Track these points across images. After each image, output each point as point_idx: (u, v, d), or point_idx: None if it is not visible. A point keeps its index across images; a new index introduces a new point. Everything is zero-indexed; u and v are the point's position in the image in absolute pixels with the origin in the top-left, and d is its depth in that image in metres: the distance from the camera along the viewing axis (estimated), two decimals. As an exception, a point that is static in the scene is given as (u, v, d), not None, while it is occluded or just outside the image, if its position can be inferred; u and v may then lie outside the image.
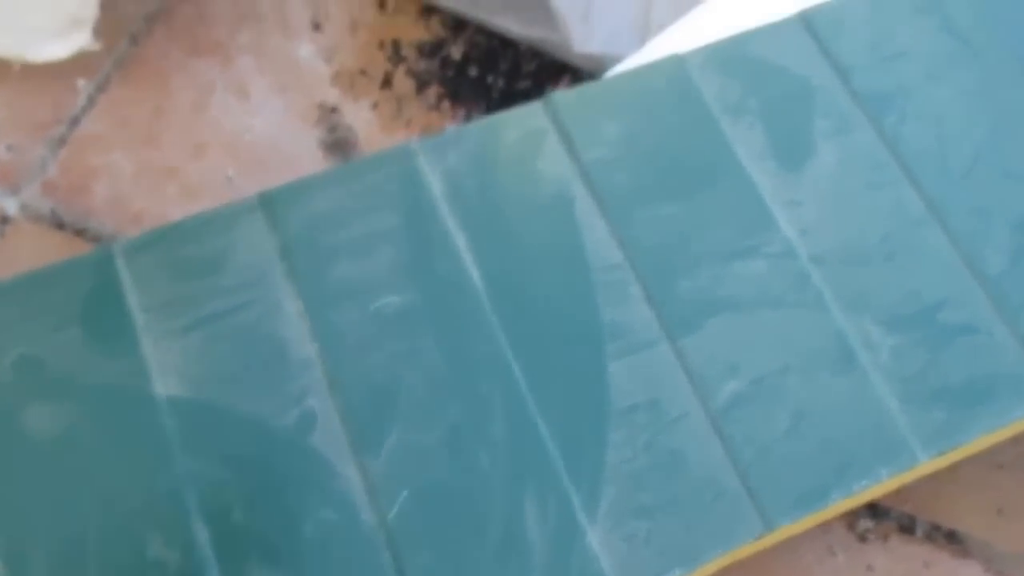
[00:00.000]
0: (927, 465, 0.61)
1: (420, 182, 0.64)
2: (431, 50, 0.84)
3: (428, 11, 0.85)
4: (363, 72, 0.83)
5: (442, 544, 0.56)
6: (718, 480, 0.59)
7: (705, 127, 0.67)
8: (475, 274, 0.62)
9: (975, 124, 0.69)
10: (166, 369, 0.58)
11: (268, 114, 0.80)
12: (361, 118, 0.80)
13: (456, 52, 0.84)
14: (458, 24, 0.85)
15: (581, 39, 0.80)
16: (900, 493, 0.70)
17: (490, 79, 0.82)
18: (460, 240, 0.63)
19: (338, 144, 0.79)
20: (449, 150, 0.65)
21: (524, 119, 0.67)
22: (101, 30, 0.79)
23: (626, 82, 0.69)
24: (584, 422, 0.60)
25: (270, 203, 0.63)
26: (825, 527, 0.68)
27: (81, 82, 0.81)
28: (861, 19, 0.71)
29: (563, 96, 0.68)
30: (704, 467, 0.59)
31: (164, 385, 0.58)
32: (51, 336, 0.59)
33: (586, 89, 0.69)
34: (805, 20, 0.71)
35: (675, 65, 0.69)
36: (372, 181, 0.64)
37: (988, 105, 0.70)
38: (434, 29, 0.85)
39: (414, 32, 0.84)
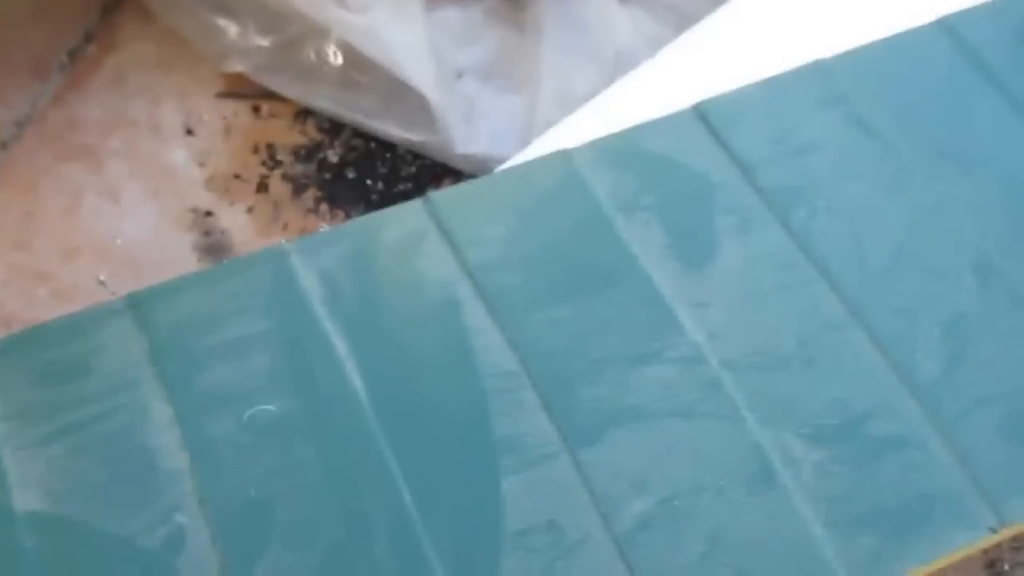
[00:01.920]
0: None
1: (295, 283, 0.57)
2: (307, 153, 0.78)
3: (303, 114, 0.80)
4: (237, 176, 0.77)
5: None
6: None
7: (598, 225, 0.61)
8: (357, 382, 0.55)
9: (892, 219, 0.62)
10: (27, 482, 0.51)
11: (141, 218, 0.73)
12: (237, 222, 0.74)
13: (333, 155, 0.78)
14: (334, 127, 0.79)
15: (463, 140, 0.75)
16: None
17: (369, 181, 0.77)
18: (340, 345, 0.56)
19: (213, 248, 0.72)
20: (324, 250, 0.59)
21: (403, 218, 0.60)
22: (-32, 136, 0.73)
23: (510, 180, 0.63)
24: (475, 546, 0.52)
25: (138, 305, 0.56)
26: None
27: None
28: (760, 111, 0.65)
29: (443, 195, 0.62)
30: None
31: (24, 499, 0.51)
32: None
33: (467, 187, 0.63)
34: (700, 113, 0.64)
35: (563, 161, 0.63)
36: (245, 282, 0.57)
37: (904, 199, 0.62)
38: (310, 132, 0.79)
39: (289, 135, 0.79)
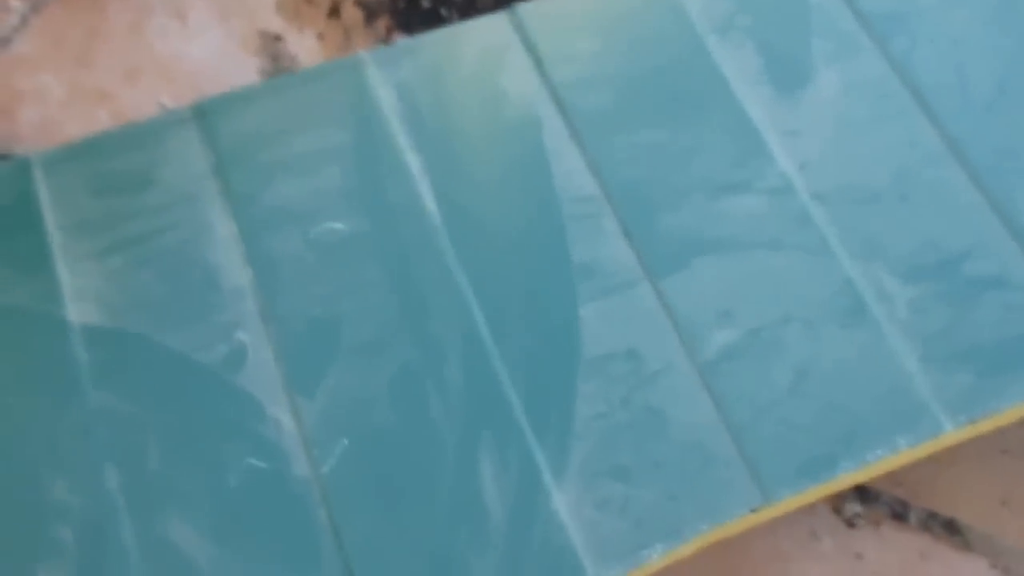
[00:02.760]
0: (951, 436, 0.49)
1: (370, 96, 0.54)
2: None
3: (381, -62, 0.76)
4: (309, 1, 0.70)
5: (385, 502, 0.46)
6: (707, 443, 0.48)
7: (689, 45, 0.57)
8: (430, 201, 0.52)
9: (997, 51, 0.57)
10: (82, 294, 0.49)
11: (207, 40, 0.69)
12: (305, 48, 0.69)
13: None
14: (413, -48, 0.76)
15: None
16: (893, 476, 0.57)
17: (443, 11, 0.70)
18: (414, 163, 0.52)
19: (280, 74, 0.67)
20: (403, 61, 0.55)
21: (486, 31, 0.57)
22: (38, -51, 0.71)
23: None
24: (551, 370, 0.49)
25: (204, 115, 0.53)
26: (808, 509, 0.56)
27: (15, 3, 0.70)
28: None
29: (529, 8, 0.57)
30: (691, 428, 0.48)
31: (79, 312, 0.48)
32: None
33: (555, 2, 0.58)
34: None
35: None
36: (317, 93, 0.54)
37: (1010, 31, 0.58)
38: None
39: None
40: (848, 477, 0.48)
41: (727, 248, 0.51)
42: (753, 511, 0.47)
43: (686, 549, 0.46)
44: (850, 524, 0.56)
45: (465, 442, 0.46)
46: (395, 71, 0.54)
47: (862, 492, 0.58)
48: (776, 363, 0.48)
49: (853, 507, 0.57)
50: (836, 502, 0.57)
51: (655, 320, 0.49)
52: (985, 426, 0.49)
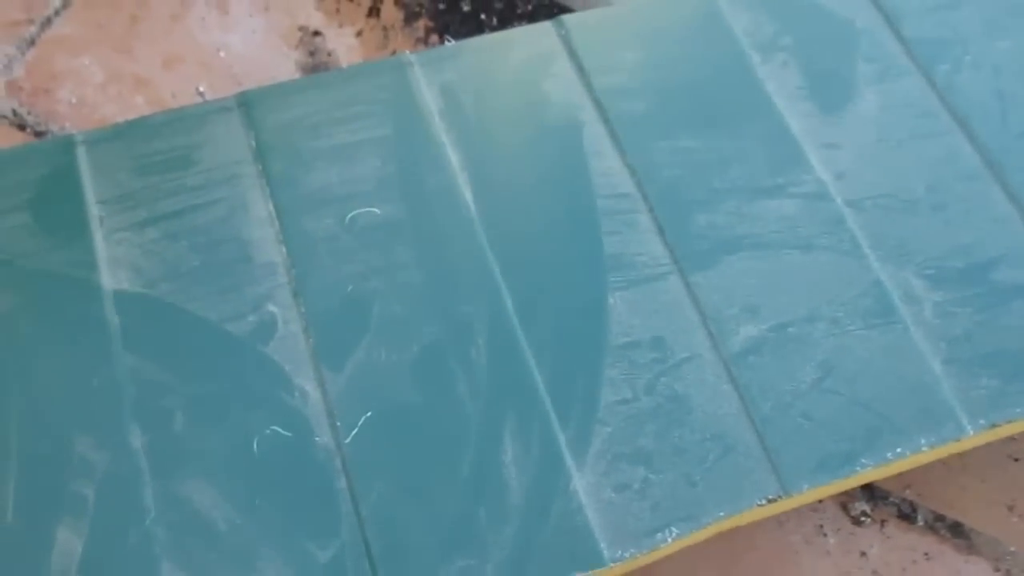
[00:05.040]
0: (971, 440, 0.48)
1: (413, 93, 0.54)
2: None
3: (424, -60, 0.77)
4: None
5: (405, 475, 0.45)
6: (729, 432, 0.47)
7: (733, 61, 0.56)
8: (467, 192, 0.51)
9: None
10: (117, 262, 0.48)
11: (247, 32, 0.69)
12: (344, 44, 0.69)
13: None
14: (455, -44, 0.77)
15: None
16: (901, 476, 0.57)
17: (483, 16, 0.71)
18: (454, 158, 0.52)
19: (317, 69, 0.68)
20: (448, 64, 0.55)
21: (531, 38, 0.57)
22: (83, -69, 0.71)
23: (646, 10, 0.59)
24: (577, 354, 0.48)
25: (249, 104, 0.53)
26: (816, 505, 0.56)
27: None
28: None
29: (575, 18, 0.58)
30: (714, 417, 0.47)
31: (113, 278, 0.48)
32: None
33: (601, 12, 0.59)
34: None
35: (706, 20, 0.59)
36: (361, 89, 0.54)
37: None
38: None
39: None
40: (867, 474, 0.47)
41: (758, 247, 0.50)
42: (770, 501, 0.45)
43: (700, 535, 0.45)
44: (857, 522, 0.55)
45: (488, 421, 0.46)
46: (439, 72, 0.54)
47: (870, 491, 0.57)
48: (801, 358, 0.48)
49: (861, 505, 0.56)
50: (844, 499, 0.56)
51: (683, 311, 0.48)
52: (1005, 431, 0.48)
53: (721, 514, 0.45)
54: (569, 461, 0.45)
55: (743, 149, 0.53)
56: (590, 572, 0.43)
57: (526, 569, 0.43)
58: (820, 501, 0.55)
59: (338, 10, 0.69)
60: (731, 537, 0.50)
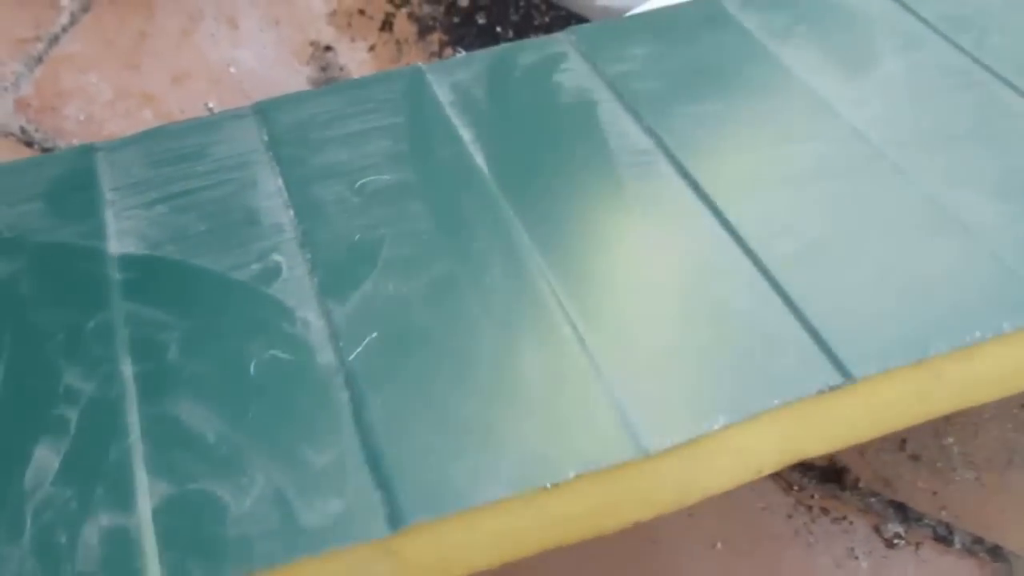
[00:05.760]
0: None
1: (425, 90, 0.52)
2: None
3: (437, -47, 0.76)
4: (362, 12, 0.70)
5: (412, 384, 0.40)
6: (778, 331, 0.41)
7: (747, 47, 0.54)
8: (479, 158, 0.48)
9: None
10: (124, 232, 0.46)
11: (258, 47, 0.67)
12: (356, 59, 0.68)
13: None
14: (468, -31, 0.76)
15: None
16: (936, 497, 0.52)
17: (498, 29, 0.69)
18: (466, 135, 0.49)
19: (329, 84, 0.65)
20: (459, 70, 0.53)
21: (543, 45, 0.55)
22: (91, -53, 0.72)
23: (655, 16, 0.57)
24: (600, 274, 0.43)
25: (264, 110, 0.52)
26: (847, 527, 0.51)
27: (65, 0, 0.69)
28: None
29: (587, 27, 0.56)
30: (760, 318, 0.41)
31: (120, 245, 0.46)
32: (13, 207, 0.48)
33: (612, 22, 0.57)
34: None
35: (710, 3, 0.57)
36: (374, 92, 0.52)
37: None
38: None
39: None
40: (942, 361, 0.40)
41: (794, 181, 0.46)
42: (832, 389, 0.39)
43: (753, 426, 0.39)
44: (890, 544, 0.50)
45: (504, 335, 0.41)
46: (451, 75, 0.53)
47: (904, 512, 0.52)
48: (854, 264, 0.42)
49: (894, 527, 0.51)
50: (876, 521, 0.52)
51: (718, 238, 0.44)
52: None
53: (776, 402, 0.38)
54: (599, 361, 0.40)
55: (766, 110, 0.50)
56: (626, 461, 0.37)
57: (548, 457, 0.37)
58: (851, 522, 0.51)
59: (350, 24, 0.68)
60: (754, 559, 0.46)
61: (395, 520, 0.36)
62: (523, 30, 0.70)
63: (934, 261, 0.43)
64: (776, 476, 0.55)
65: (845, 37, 0.54)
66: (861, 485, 0.55)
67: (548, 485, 0.37)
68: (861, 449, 0.56)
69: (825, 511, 0.54)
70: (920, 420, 0.42)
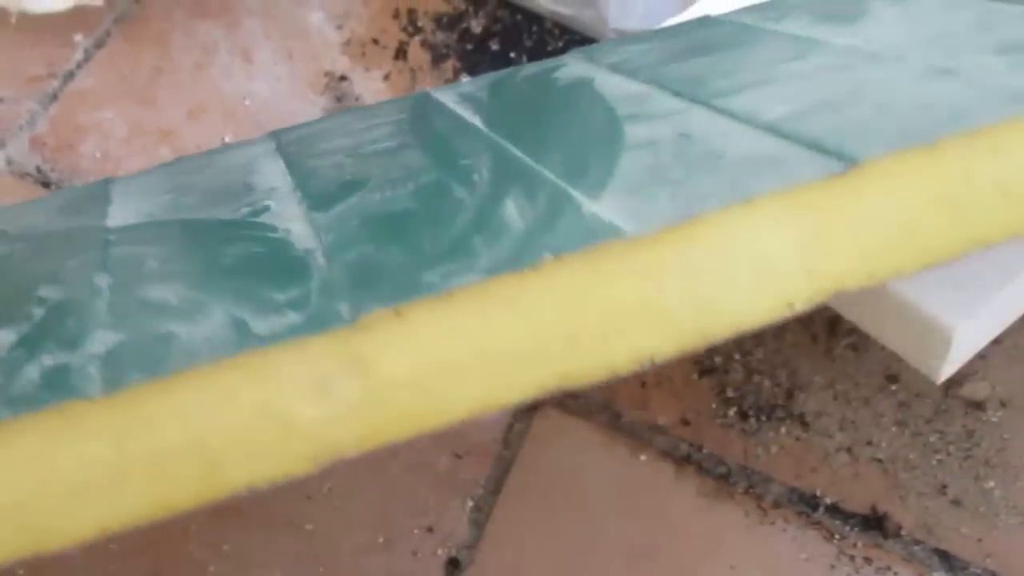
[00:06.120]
0: None
1: (431, 99, 0.52)
2: (450, 22, 0.70)
3: (448, -20, 0.75)
4: (376, 41, 0.69)
5: (387, 227, 0.39)
6: (770, 145, 0.38)
7: (739, 29, 0.53)
8: (476, 120, 0.48)
9: None
10: (126, 213, 0.46)
11: (272, 79, 0.66)
12: (371, 89, 0.66)
13: (476, 25, 0.70)
14: (481, -5, 0.75)
15: (617, 15, 0.67)
16: (980, 544, 0.52)
17: (512, 55, 0.68)
18: (465, 113, 0.49)
19: None
20: (465, 86, 0.54)
21: (545, 63, 0.55)
22: (103, -16, 0.71)
23: (652, 32, 0.58)
24: (591, 148, 0.42)
25: (278, 133, 0.53)
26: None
27: (78, 37, 0.69)
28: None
29: (590, 45, 0.57)
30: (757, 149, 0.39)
31: (120, 219, 0.45)
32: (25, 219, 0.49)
33: (613, 39, 0.59)
34: None
35: (706, 18, 0.58)
36: (384, 110, 0.52)
37: None
38: (453, 0, 0.71)
39: (431, 1, 0.71)
40: (958, 144, 0.35)
41: (792, 78, 0.43)
42: (831, 177, 0.35)
43: (751, 209, 0.34)
44: (934, 594, 0.50)
45: (489, 194, 0.39)
46: (457, 88, 0.53)
47: (948, 561, 0.50)
48: (852, 101, 0.40)
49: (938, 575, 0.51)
50: (922, 570, 0.50)
51: (711, 118, 0.41)
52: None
53: (766, 188, 0.35)
54: (578, 192, 0.37)
55: (760, 52, 0.48)
56: (608, 241, 0.34)
57: (524, 255, 0.34)
58: (896, 573, 0.49)
59: (364, 54, 0.67)
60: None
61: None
62: (537, 56, 0.69)
63: (925, 103, 0.39)
64: (816, 525, 0.53)
65: (831, 4, 0.53)
66: (903, 533, 0.52)
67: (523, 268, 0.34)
68: (902, 495, 0.54)
69: (868, 560, 0.52)
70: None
